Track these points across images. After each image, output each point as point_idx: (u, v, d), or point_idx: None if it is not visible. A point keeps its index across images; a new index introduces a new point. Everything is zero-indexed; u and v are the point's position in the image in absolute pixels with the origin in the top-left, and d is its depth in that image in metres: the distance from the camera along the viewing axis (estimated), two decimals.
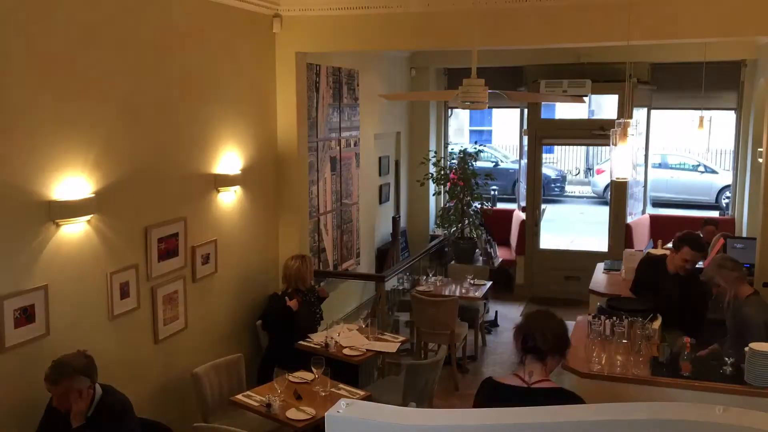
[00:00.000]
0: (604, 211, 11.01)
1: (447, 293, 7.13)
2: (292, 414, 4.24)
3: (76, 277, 4.07)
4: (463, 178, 9.02)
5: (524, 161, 10.09)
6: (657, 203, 13.79)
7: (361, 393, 4.57)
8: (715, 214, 11.77)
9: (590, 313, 5.31)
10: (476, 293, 7.24)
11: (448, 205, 9.52)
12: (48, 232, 3.87)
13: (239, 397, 4.56)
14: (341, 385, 4.62)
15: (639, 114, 9.40)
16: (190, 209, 5.09)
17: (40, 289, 3.80)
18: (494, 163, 17.43)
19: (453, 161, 9.56)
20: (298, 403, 4.37)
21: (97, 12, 4.14)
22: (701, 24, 5.18)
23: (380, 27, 5.78)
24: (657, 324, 5.00)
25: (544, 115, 9.79)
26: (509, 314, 8.79)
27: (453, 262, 8.91)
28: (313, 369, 4.60)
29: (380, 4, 5.67)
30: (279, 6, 5.90)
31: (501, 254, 9.60)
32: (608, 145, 4.72)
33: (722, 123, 11.14)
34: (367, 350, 5.28)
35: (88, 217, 4.07)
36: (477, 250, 9.30)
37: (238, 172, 5.59)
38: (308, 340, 5.41)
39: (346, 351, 5.24)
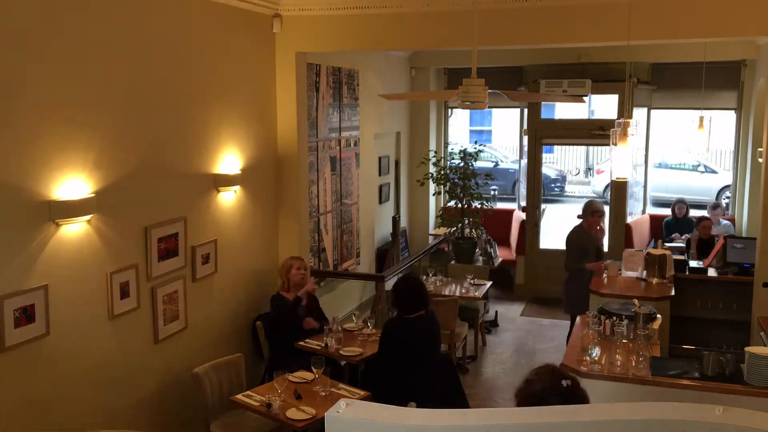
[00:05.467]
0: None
1: (447, 293, 7.13)
2: (292, 414, 4.24)
3: (76, 277, 4.07)
4: (463, 177, 9.02)
5: (524, 161, 10.09)
6: (657, 203, 13.76)
7: (361, 393, 4.57)
8: None
9: (590, 312, 5.31)
10: (476, 293, 7.24)
11: (448, 205, 9.51)
12: (48, 232, 3.87)
13: (239, 396, 4.56)
14: (341, 385, 4.63)
15: (639, 114, 9.39)
16: (190, 209, 5.09)
17: (40, 288, 3.80)
18: (494, 163, 17.45)
19: (453, 161, 9.56)
20: (298, 403, 4.37)
21: (96, 13, 4.14)
22: (701, 24, 5.18)
23: (380, 27, 5.78)
24: (657, 324, 5.00)
25: (544, 115, 9.78)
26: (509, 314, 8.80)
27: (453, 262, 8.91)
28: (313, 369, 4.60)
29: (380, 4, 5.67)
30: (279, 6, 5.90)
31: (501, 254, 9.60)
32: (608, 145, 4.72)
33: (722, 123, 11.12)
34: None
35: (88, 217, 4.07)
36: (477, 250, 9.30)
37: (238, 172, 5.59)
38: (307, 340, 5.42)
39: (344, 351, 5.24)
